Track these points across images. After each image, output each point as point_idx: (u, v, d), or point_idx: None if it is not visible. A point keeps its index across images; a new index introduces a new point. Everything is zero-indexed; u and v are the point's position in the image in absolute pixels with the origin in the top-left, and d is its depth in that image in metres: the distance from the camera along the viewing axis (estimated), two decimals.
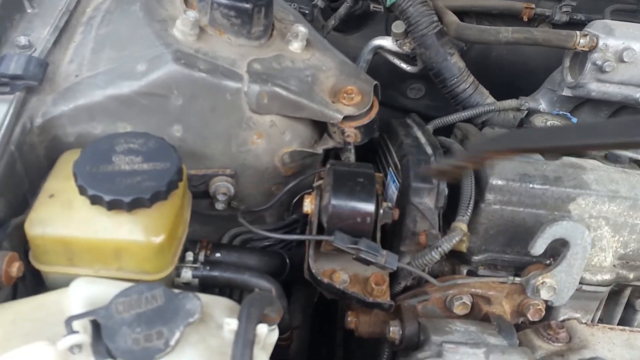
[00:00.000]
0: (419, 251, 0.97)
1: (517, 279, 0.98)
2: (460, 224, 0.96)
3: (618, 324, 1.08)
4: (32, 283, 0.85)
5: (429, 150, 1.08)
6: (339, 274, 0.95)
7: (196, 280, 0.94)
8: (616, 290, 1.06)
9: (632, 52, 1.15)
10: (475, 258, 1.03)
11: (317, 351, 1.37)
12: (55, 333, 0.64)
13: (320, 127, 1.13)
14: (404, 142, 1.12)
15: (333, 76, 1.11)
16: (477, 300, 0.99)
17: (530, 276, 0.97)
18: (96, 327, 0.65)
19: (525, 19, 1.54)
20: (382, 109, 1.17)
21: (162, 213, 0.80)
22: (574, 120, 1.24)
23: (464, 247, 0.97)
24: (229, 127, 1.02)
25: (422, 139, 1.13)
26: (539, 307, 0.98)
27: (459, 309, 0.98)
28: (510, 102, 1.30)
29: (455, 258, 1.05)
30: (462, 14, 1.52)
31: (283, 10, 1.21)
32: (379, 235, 0.94)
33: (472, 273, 1.04)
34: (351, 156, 1.11)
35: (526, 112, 1.31)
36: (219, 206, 1.07)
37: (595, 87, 1.22)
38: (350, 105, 1.07)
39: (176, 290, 0.69)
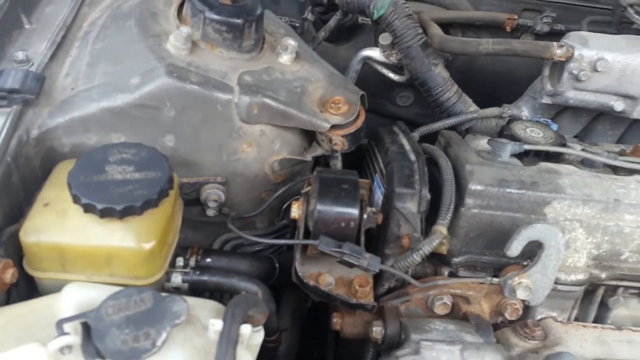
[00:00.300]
0: (402, 254, 0.99)
1: (495, 280, 1.01)
2: (441, 227, 0.98)
3: (593, 322, 1.11)
4: (26, 289, 0.86)
5: (412, 157, 1.12)
6: (324, 276, 0.97)
7: (186, 285, 0.96)
8: (590, 289, 1.09)
9: (605, 62, 1.19)
10: (456, 260, 1.06)
11: (309, 354, 1.39)
12: (46, 335, 0.66)
13: (309, 136, 1.16)
14: (389, 149, 1.15)
15: (321, 87, 1.14)
16: (457, 300, 1.01)
17: (507, 277, 0.99)
18: (86, 328, 0.67)
19: (508, 29, 1.59)
20: (372, 117, 1.20)
21: (152, 220, 0.82)
22: (554, 127, 1.27)
23: (444, 250, 0.99)
24: (220, 137, 1.05)
25: (407, 146, 1.16)
26: (516, 306, 1.01)
27: (439, 309, 1.00)
28: (493, 110, 1.33)
29: (437, 260, 1.08)
30: (448, 25, 1.57)
31: (274, 23, 1.25)
32: (363, 238, 0.97)
33: (453, 274, 1.07)
34: (338, 163, 1.13)
35: (508, 119, 1.34)
36: (210, 213, 1.10)
37: (572, 95, 1.26)
38: (337, 114, 1.10)
39: (164, 294, 0.71)
